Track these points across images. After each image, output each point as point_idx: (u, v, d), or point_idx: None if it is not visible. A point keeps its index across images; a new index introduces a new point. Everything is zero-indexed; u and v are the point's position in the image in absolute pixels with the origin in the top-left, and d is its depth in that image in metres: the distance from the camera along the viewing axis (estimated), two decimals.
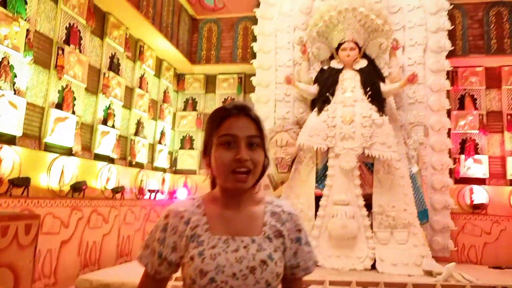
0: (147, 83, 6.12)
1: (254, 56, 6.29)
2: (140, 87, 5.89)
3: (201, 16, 7.06)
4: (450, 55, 5.69)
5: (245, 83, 7.01)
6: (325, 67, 5.68)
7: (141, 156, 5.91)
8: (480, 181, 5.99)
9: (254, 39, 6.33)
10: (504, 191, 5.91)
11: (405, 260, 4.59)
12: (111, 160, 5.13)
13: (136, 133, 5.79)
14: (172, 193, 6.90)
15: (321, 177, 5.30)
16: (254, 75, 6.20)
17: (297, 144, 5.31)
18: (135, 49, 5.82)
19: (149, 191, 5.96)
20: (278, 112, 6.02)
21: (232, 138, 0.95)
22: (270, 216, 0.99)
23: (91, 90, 4.80)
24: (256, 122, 1.00)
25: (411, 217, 4.87)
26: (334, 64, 5.57)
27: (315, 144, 5.17)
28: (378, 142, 4.97)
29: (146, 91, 6.06)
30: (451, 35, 5.78)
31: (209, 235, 0.94)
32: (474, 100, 6.24)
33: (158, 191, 6.15)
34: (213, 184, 1.06)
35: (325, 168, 5.27)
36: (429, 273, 4.37)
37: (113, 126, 5.14)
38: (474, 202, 5.91)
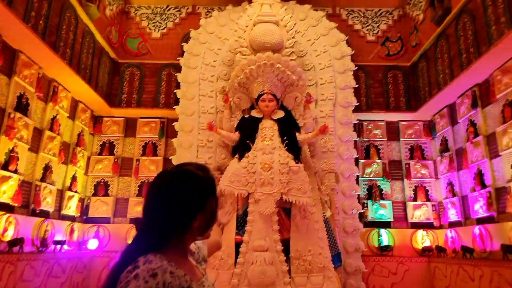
0: (60, 125, 5.76)
1: (177, 102, 6.33)
2: (51, 129, 5.52)
3: (124, 60, 7.00)
4: (356, 109, 6.32)
5: (168, 128, 6.96)
6: (246, 116, 5.91)
7: (47, 203, 5.40)
8: (386, 224, 6.51)
9: (178, 85, 6.41)
10: (406, 234, 6.49)
11: None
12: (10, 209, 4.61)
13: (42, 179, 5.33)
14: (81, 244, 6.34)
15: (241, 223, 5.32)
16: (176, 120, 6.21)
17: (218, 189, 5.30)
18: (48, 89, 5.50)
19: (54, 242, 5.41)
20: (201, 158, 6.02)
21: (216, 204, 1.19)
22: (195, 261, 1.22)
23: None
24: None
25: (325, 261, 5.05)
26: (255, 113, 5.83)
27: (235, 189, 5.22)
28: (295, 188, 5.19)
29: (58, 134, 5.69)
30: (357, 92, 6.46)
31: (195, 284, 1.08)
32: (377, 150, 6.93)
33: (64, 242, 5.60)
34: (169, 241, 1.12)
35: (245, 214, 5.31)
36: None
37: (15, 171, 4.68)
38: (382, 245, 6.36)
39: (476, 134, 5.45)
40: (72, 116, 6.22)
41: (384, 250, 6.32)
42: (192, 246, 1.24)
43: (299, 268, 5.01)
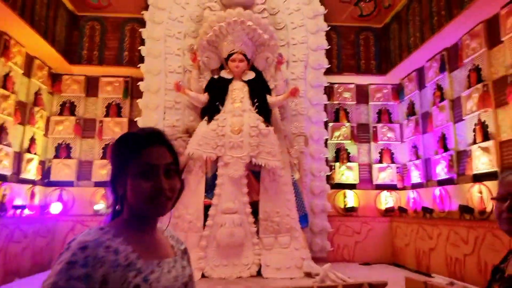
0: (14, 83, 5.35)
1: (142, 60, 6.00)
2: (4, 87, 5.11)
3: (83, 13, 6.50)
4: (327, 72, 6.25)
5: (132, 88, 6.64)
6: (215, 77, 5.72)
7: (4, 166, 5.11)
8: (352, 186, 6.69)
9: (142, 42, 6.05)
10: (371, 195, 6.71)
11: (288, 264, 4.84)
12: None
13: None
14: (43, 208, 6.13)
15: (210, 186, 5.29)
16: (141, 79, 5.92)
17: (186, 153, 5.22)
18: None
19: (14, 207, 5.18)
20: (168, 120, 5.84)
21: (151, 168, 0.96)
22: (171, 239, 1.08)
23: None
24: (171, 149, 1.02)
25: (293, 221, 5.17)
26: (224, 74, 5.64)
27: (204, 153, 5.15)
28: (264, 151, 5.18)
29: (12, 92, 5.30)
30: (328, 54, 6.36)
31: (142, 262, 0.93)
32: (347, 113, 6.97)
33: (25, 206, 5.38)
34: (116, 212, 1.03)
35: (214, 177, 5.28)
36: (308, 275, 4.68)
37: None
38: (347, 206, 6.57)
39: (442, 99, 5.55)
40: (28, 73, 5.78)
41: (349, 211, 6.53)
42: (171, 232, 1.13)
43: (267, 229, 5.11)
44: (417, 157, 6.20)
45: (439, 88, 5.66)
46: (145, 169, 0.95)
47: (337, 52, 6.81)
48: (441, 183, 5.44)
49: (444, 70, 5.50)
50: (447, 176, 5.28)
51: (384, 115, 6.99)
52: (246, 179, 5.19)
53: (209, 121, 5.35)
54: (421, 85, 6.24)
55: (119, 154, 1.00)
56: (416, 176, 6.19)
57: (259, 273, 4.78)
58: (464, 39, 5.08)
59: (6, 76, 5.18)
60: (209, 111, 5.46)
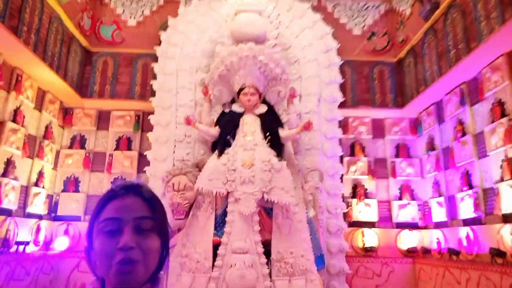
0: (24, 116, 5.32)
1: (153, 94, 5.97)
2: (14, 120, 5.08)
3: (97, 48, 6.57)
4: (342, 105, 6.09)
5: (143, 121, 6.58)
6: (227, 110, 5.61)
7: (10, 201, 4.98)
8: (370, 224, 6.32)
9: (154, 76, 6.04)
10: (391, 234, 6.32)
11: None
12: None
13: (4, 174, 4.90)
14: (48, 244, 5.92)
15: (220, 223, 5.03)
16: (152, 113, 5.85)
17: (196, 188, 5.02)
18: (11, 77, 5.05)
19: (17, 243, 4.99)
20: (178, 154, 5.70)
21: (115, 223, 0.79)
22: None
23: None
24: (148, 201, 0.83)
25: (308, 263, 4.82)
26: (236, 107, 5.53)
27: (214, 188, 4.93)
28: (277, 187, 4.94)
29: (22, 125, 5.26)
30: (342, 87, 6.23)
31: None
32: (363, 147, 6.73)
33: (28, 242, 5.19)
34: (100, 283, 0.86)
35: (224, 214, 5.03)
36: None
37: None
38: (366, 245, 6.18)
39: (464, 133, 5.29)
40: (39, 107, 5.78)
41: (369, 250, 6.14)
42: None
43: (281, 271, 4.77)
44: (440, 194, 5.85)
45: (460, 122, 5.41)
46: (106, 225, 0.79)
47: (352, 86, 6.69)
48: (467, 222, 5.07)
49: (465, 103, 5.28)
50: (473, 215, 4.92)
51: (402, 150, 6.72)
52: (258, 216, 4.93)
53: (219, 155, 5.18)
54: (440, 119, 6.01)
55: (91, 215, 0.86)
56: (439, 214, 5.82)
57: None
58: (484, 72, 4.89)
59: (17, 110, 5.16)
60: (220, 145, 5.31)
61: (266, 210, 5.10)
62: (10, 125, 4.98)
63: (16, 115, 5.14)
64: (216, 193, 4.96)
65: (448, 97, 5.71)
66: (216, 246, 4.84)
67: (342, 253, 5.57)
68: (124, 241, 0.77)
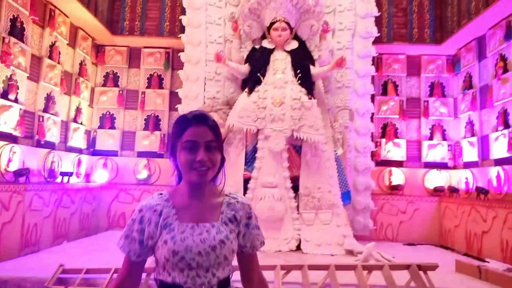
0: (59, 53, 5.44)
1: (182, 30, 5.90)
2: (50, 57, 5.21)
3: None
4: (376, 41, 5.85)
5: (173, 59, 6.59)
6: (257, 47, 5.52)
7: (52, 135, 5.28)
8: (398, 164, 6.35)
9: (183, 11, 5.92)
10: (419, 173, 6.35)
11: (329, 240, 4.71)
12: (13, 139, 4.49)
13: (45, 109, 5.15)
14: (89, 176, 6.34)
15: (250, 159, 5.20)
16: (182, 50, 5.83)
17: (226, 125, 5.13)
18: (44, 13, 5.10)
19: (62, 174, 5.37)
20: (208, 91, 5.75)
21: (193, 144, 1.17)
22: (227, 206, 1.23)
23: None
24: (213, 129, 1.20)
25: (335, 198, 5.00)
26: (266, 43, 5.43)
27: (245, 125, 5.04)
28: (307, 124, 4.98)
29: (58, 62, 5.39)
30: (378, 22, 5.93)
31: (178, 223, 1.17)
32: (396, 86, 6.55)
33: (72, 174, 5.58)
34: (179, 178, 1.26)
35: (255, 150, 5.17)
36: (350, 252, 4.53)
37: (15, 100, 4.49)
38: (392, 183, 6.26)
39: (506, 70, 5.02)
40: (73, 44, 5.86)
41: (395, 189, 6.23)
42: (233, 200, 1.26)
43: (308, 205, 4.98)
44: (472, 134, 5.73)
45: (503, 58, 5.11)
46: (187, 145, 1.17)
47: (388, 20, 6.34)
48: (499, 162, 5.00)
49: (510, 38, 4.94)
50: (506, 155, 4.83)
51: (437, 89, 6.49)
52: (287, 153, 5.05)
53: (249, 93, 5.21)
54: (481, 55, 5.68)
55: (173, 133, 1.24)
56: (470, 155, 5.74)
57: (298, 248, 4.70)
58: None
59: (52, 46, 5.26)
60: (250, 82, 5.30)
61: (295, 147, 5.20)
62: (47, 61, 5.12)
63: (52, 52, 5.25)
64: (246, 130, 5.07)
65: (492, 31, 5.34)
66: (246, 181, 5.06)
67: (368, 191, 5.70)
68: (200, 156, 1.17)
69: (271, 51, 5.36)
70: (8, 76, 4.38)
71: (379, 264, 3.36)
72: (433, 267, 3.19)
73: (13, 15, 4.46)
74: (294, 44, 5.37)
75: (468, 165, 5.82)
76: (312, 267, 3.27)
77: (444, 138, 6.36)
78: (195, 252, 1.13)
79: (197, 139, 1.17)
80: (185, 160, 1.17)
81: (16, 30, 4.52)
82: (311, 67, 5.29)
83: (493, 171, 5.08)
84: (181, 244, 1.13)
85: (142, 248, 1.17)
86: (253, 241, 1.27)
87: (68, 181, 5.45)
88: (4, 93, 4.32)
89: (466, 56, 6.03)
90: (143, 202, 1.21)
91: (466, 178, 5.78)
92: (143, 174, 6.43)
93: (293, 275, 3.13)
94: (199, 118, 1.19)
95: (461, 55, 6.19)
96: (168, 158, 1.27)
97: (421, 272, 3.14)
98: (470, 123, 5.84)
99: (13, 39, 4.42)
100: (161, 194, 1.23)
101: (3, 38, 4.28)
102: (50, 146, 5.25)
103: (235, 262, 1.24)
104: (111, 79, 6.69)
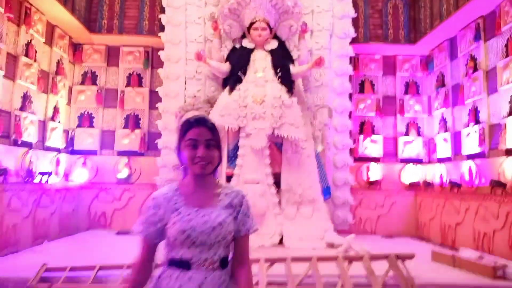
0: (36, 51, 5.34)
1: (162, 28, 5.89)
2: (26, 55, 5.11)
3: None
4: (353, 41, 6.01)
5: (153, 57, 6.57)
6: (237, 46, 5.58)
7: (29, 134, 5.18)
8: (376, 159, 6.55)
9: (162, 10, 5.92)
10: (395, 168, 6.56)
11: (310, 234, 4.82)
12: None
13: (22, 108, 5.04)
14: (68, 176, 6.24)
15: (231, 157, 5.26)
16: (162, 49, 5.82)
17: None
18: (20, 11, 4.99)
19: (40, 173, 5.28)
20: (189, 90, 5.77)
21: (195, 142, 1.39)
22: (224, 195, 1.45)
23: None
24: (211, 130, 1.43)
25: (315, 193, 5.11)
26: (246, 43, 5.49)
27: (226, 123, 5.08)
28: (287, 122, 5.07)
29: (35, 60, 5.29)
30: (355, 23, 6.09)
31: (185, 207, 1.39)
32: (372, 85, 6.75)
33: (50, 173, 5.48)
34: (185, 173, 1.47)
35: (236, 148, 5.23)
36: (331, 245, 4.66)
37: None
38: (370, 179, 6.45)
39: (476, 69, 5.27)
40: (49, 42, 5.76)
41: (372, 184, 6.42)
42: (229, 190, 1.48)
43: (290, 200, 5.08)
44: (446, 130, 5.98)
45: (473, 58, 5.36)
46: (190, 143, 1.40)
47: (364, 21, 6.52)
48: (471, 157, 5.24)
49: (479, 39, 5.19)
50: (478, 151, 5.07)
51: (411, 87, 6.74)
52: (268, 150, 5.13)
53: (231, 91, 5.26)
54: (452, 55, 5.94)
55: (178, 134, 1.47)
56: (444, 150, 5.99)
57: (281, 243, 4.78)
58: (503, 5, 4.75)
59: (28, 45, 5.16)
60: (231, 81, 5.35)
61: (277, 144, 5.29)
62: (23, 59, 5.02)
63: (28, 50, 5.15)
64: (228, 129, 5.12)
65: (462, 33, 5.60)
66: (228, 178, 5.11)
67: (347, 186, 5.84)
68: (201, 152, 1.39)
69: (251, 50, 5.43)
70: None
71: (360, 255, 3.49)
72: (410, 256, 3.33)
73: None
74: (274, 44, 5.45)
75: (442, 160, 6.06)
76: (295, 259, 3.37)
77: (419, 134, 6.61)
78: (199, 231, 1.34)
79: (198, 138, 1.39)
80: (189, 155, 1.39)
81: None
82: (291, 66, 5.39)
83: (465, 165, 5.32)
84: (187, 224, 1.35)
85: (157, 231, 1.39)
86: (245, 225, 1.45)
87: (47, 181, 5.35)
88: None
89: (439, 56, 6.28)
90: (156, 192, 1.45)
91: (441, 172, 6.03)
92: (123, 173, 6.38)
93: (276, 268, 3.21)
94: (200, 121, 1.43)
95: (434, 55, 6.45)
96: (176, 155, 1.47)
97: (399, 262, 3.28)
98: (443, 120, 6.09)
99: None
100: (170, 185, 1.47)
101: None
102: (28, 145, 5.15)
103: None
104: (89, 78, 6.61)
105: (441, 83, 6.21)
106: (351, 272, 3.24)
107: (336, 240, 4.65)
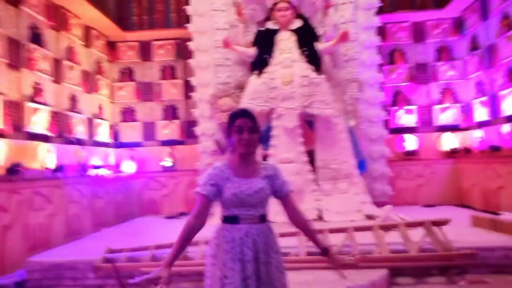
0: (76, 54, 5.73)
1: (189, 20, 6.09)
2: (68, 58, 5.51)
3: None
4: (379, 11, 5.90)
5: (183, 49, 6.80)
6: (262, 29, 5.66)
7: (80, 132, 5.64)
8: (411, 130, 6.49)
9: (187, 1, 6.10)
10: (432, 137, 6.48)
11: (348, 208, 4.94)
12: (46, 138, 4.84)
13: (71, 108, 5.48)
14: (117, 167, 6.73)
15: (264, 138, 5.43)
16: (191, 40, 6.04)
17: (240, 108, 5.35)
18: (57, 17, 5.36)
19: (94, 167, 5.76)
20: (219, 77, 5.94)
21: (240, 128, 1.76)
22: (263, 169, 1.85)
23: (13, 64, 4.38)
24: (253, 119, 1.79)
25: (350, 168, 5.21)
26: (270, 25, 5.57)
27: (257, 106, 5.24)
28: (317, 100, 5.16)
29: (76, 63, 5.69)
30: None
31: (234, 177, 1.78)
32: (402, 54, 6.62)
33: (102, 166, 5.95)
34: (232, 152, 1.85)
35: (267, 129, 5.39)
36: (370, 217, 4.76)
37: (43, 103, 4.81)
38: (406, 149, 6.42)
39: (510, 28, 5.05)
40: (87, 43, 6.15)
41: (410, 154, 6.39)
42: (265, 165, 1.89)
43: (325, 176, 5.21)
44: (483, 94, 5.81)
45: (506, 16, 5.14)
46: (237, 129, 1.76)
47: None
48: (511, 119, 5.10)
49: None
50: None
51: (444, 53, 6.54)
52: (300, 129, 5.26)
53: (259, 74, 5.39)
54: (484, 15, 5.70)
55: (228, 122, 1.83)
56: (481, 114, 5.84)
57: (320, 219, 4.95)
58: None
59: (69, 48, 5.55)
60: (259, 64, 5.48)
61: (308, 122, 5.40)
62: (66, 63, 5.42)
63: (69, 53, 5.54)
64: (259, 111, 5.29)
65: None
66: (263, 159, 5.31)
67: (383, 158, 5.87)
68: (245, 136, 1.75)
69: (276, 31, 5.50)
70: (34, 81, 4.68)
71: (395, 223, 3.60)
72: (445, 222, 3.41)
73: (31, 23, 4.70)
74: (298, 23, 5.49)
75: (480, 125, 5.91)
76: (332, 231, 3.54)
77: (455, 101, 6.45)
78: (246, 194, 1.77)
79: (243, 125, 1.76)
80: (236, 139, 1.78)
81: (35, 36, 4.78)
82: (317, 43, 5.42)
83: (505, 127, 5.18)
84: (238, 189, 1.77)
85: (214, 191, 1.78)
86: (282, 187, 1.85)
87: (100, 173, 5.83)
88: (31, 97, 4.62)
89: (470, 17, 6.04)
90: (214, 164, 1.88)
91: (479, 137, 5.89)
92: (167, 162, 6.79)
93: None
94: (244, 112, 1.84)
95: (465, 17, 6.20)
96: (226, 139, 1.88)
97: (435, 228, 3.36)
98: (479, 83, 5.91)
99: (33, 45, 4.69)
100: (222, 161, 1.87)
101: (24, 45, 4.55)
102: (80, 142, 5.61)
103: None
104: (127, 75, 6.99)
105: (474, 45, 6.00)
106: (387, 240, 3.38)
107: (375, 212, 4.75)
